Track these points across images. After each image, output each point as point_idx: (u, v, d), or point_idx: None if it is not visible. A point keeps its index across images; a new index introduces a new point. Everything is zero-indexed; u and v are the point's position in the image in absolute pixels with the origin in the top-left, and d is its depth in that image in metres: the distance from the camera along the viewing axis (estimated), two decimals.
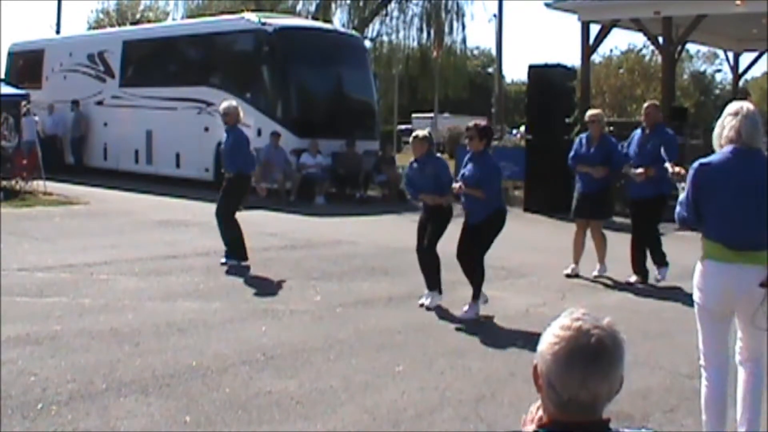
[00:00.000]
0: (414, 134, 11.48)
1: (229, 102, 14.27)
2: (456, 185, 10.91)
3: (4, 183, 21.91)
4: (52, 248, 14.34)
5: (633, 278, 13.05)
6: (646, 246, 13.09)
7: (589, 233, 13.41)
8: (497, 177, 11.07)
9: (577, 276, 13.27)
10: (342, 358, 8.67)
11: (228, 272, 12.89)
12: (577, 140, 13.76)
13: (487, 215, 10.73)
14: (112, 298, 10.84)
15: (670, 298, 12.22)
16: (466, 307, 10.70)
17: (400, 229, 17.72)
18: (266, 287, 12.08)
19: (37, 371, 7.76)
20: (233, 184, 13.71)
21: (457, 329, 10.10)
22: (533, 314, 10.78)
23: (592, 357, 2.50)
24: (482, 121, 11.39)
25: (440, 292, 11.20)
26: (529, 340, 9.24)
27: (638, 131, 13.14)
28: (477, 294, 10.79)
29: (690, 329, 10.35)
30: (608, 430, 2.56)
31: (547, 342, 2.58)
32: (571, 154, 13.55)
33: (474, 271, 10.83)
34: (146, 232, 16.72)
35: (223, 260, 13.48)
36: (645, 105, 13.44)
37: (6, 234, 15.03)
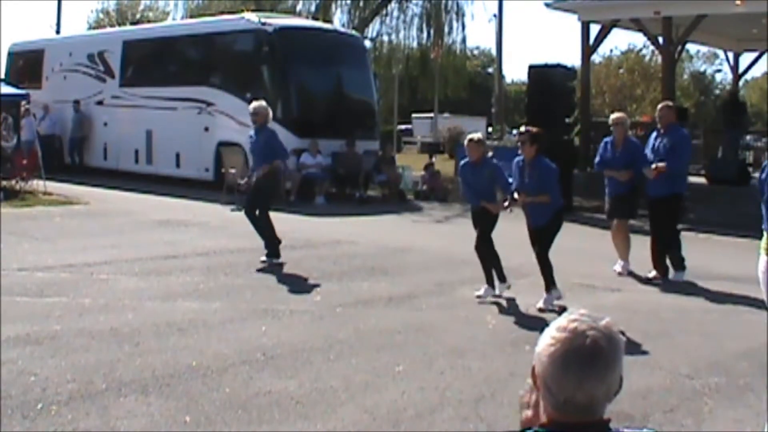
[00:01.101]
0: (469, 137, 11.67)
1: (259, 102, 14.29)
2: (516, 197, 11.34)
3: (4, 183, 21.90)
4: (52, 248, 14.33)
5: (652, 273, 13.30)
6: (665, 244, 13.25)
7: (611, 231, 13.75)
8: (557, 178, 11.40)
9: (630, 274, 13.59)
10: (342, 358, 8.67)
11: (228, 272, 12.88)
12: (602, 144, 13.87)
13: (549, 218, 11.23)
14: (112, 298, 10.84)
15: (670, 298, 12.25)
16: (541, 302, 11.09)
17: (400, 229, 17.74)
18: (266, 287, 12.07)
19: (37, 371, 7.76)
20: (266, 181, 13.77)
21: (457, 329, 10.10)
22: (533, 314, 10.80)
23: (588, 359, 2.49)
24: (533, 128, 11.56)
25: (504, 280, 11.74)
26: (530, 340, 9.25)
27: (654, 133, 13.39)
28: (549, 286, 11.22)
29: (690, 329, 10.41)
30: (608, 431, 2.56)
31: (544, 343, 2.57)
32: (597, 159, 13.81)
33: (544, 267, 11.24)
34: (146, 232, 16.71)
35: (264, 259, 13.53)
36: (659, 106, 13.64)
37: (6, 234, 15.02)
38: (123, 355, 8.45)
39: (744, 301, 11.93)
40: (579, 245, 15.15)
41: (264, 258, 13.55)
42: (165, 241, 15.65)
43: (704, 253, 15.55)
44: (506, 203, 11.47)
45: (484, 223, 11.58)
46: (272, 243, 13.67)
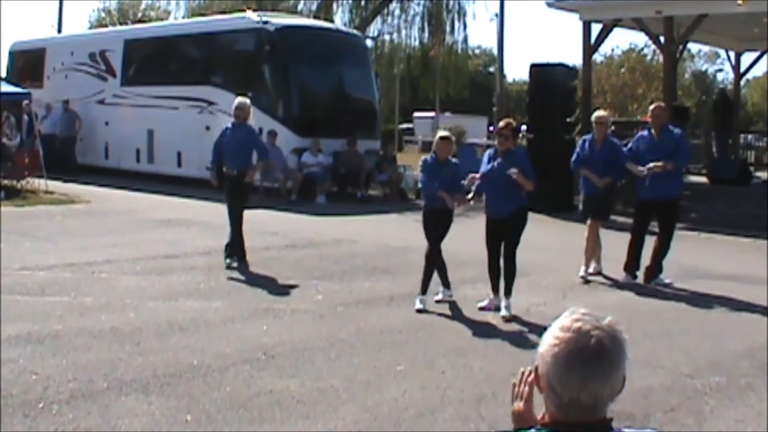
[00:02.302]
0: (440, 134, 11.53)
1: (243, 98, 14.23)
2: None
3: (5, 182, 21.91)
4: (54, 247, 14.34)
5: (623, 276, 13.15)
6: (667, 249, 13.04)
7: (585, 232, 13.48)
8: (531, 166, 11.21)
9: (599, 273, 13.37)
10: (343, 357, 8.68)
11: (229, 271, 12.88)
12: (580, 142, 13.72)
13: (512, 210, 11.00)
14: (113, 297, 10.84)
15: (671, 297, 12.25)
16: (485, 302, 11.00)
17: (401, 229, 17.73)
18: (267, 286, 12.08)
19: (39, 370, 7.76)
20: (236, 184, 13.69)
21: (458, 329, 10.11)
22: (534, 313, 10.79)
23: (592, 359, 2.47)
24: (512, 121, 11.37)
25: (449, 287, 11.58)
26: (531, 340, 9.29)
27: (644, 132, 13.13)
28: (509, 291, 11.04)
29: (690, 329, 10.41)
30: (611, 430, 2.55)
31: (547, 343, 2.55)
32: (574, 156, 13.53)
33: (512, 269, 11.10)
34: (147, 231, 16.72)
35: (228, 261, 13.49)
36: (651, 107, 13.39)
37: (7, 233, 15.03)
38: (124, 354, 8.45)
39: (745, 300, 11.95)
40: (579, 244, 15.12)
41: (228, 260, 13.51)
42: (166, 240, 15.66)
43: (705, 252, 15.56)
44: (469, 196, 11.29)
45: (440, 228, 11.32)
46: (237, 243, 13.57)
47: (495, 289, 11.14)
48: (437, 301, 11.26)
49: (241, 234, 13.57)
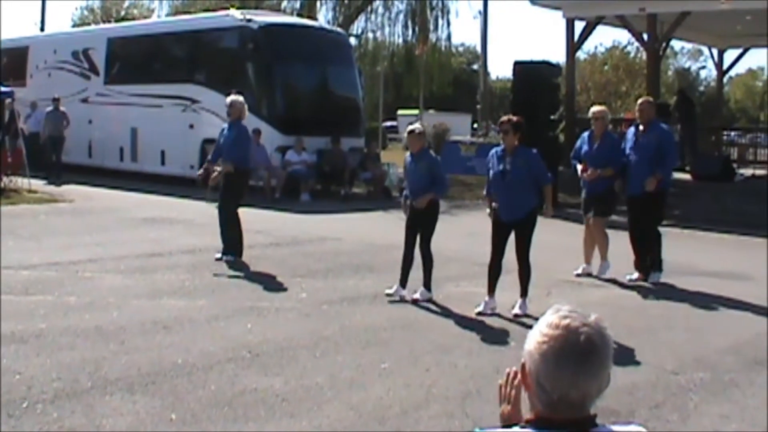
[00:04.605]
0: (409, 128, 11.51)
1: (235, 96, 14.22)
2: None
3: None
4: (37, 246, 14.29)
5: (635, 275, 13.05)
6: (646, 243, 13.03)
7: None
8: (543, 164, 11.12)
9: (589, 275, 13.29)
10: (328, 355, 8.67)
11: (214, 269, 12.85)
12: (581, 138, 13.65)
13: (526, 213, 10.87)
14: (97, 296, 10.81)
15: (655, 294, 12.27)
16: (517, 308, 10.77)
17: (385, 226, 17.73)
18: (252, 285, 12.07)
19: (23, 369, 7.74)
20: (232, 180, 13.70)
21: (443, 326, 10.11)
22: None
23: (582, 356, 2.46)
24: (513, 116, 11.14)
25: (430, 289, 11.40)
26: (515, 337, 9.29)
27: (632, 128, 13.18)
28: (525, 292, 10.92)
29: (675, 325, 10.44)
30: (595, 426, 2.55)
31: (535, 341, 2.53)
32: (573, 153, 13.58)
33: (527, 271, 10.92)
34: (131, 230, 16.68)
35: (218, 256, 13.50)
36: (639, 101, 13.38)
37: None
38: (108, 353, 8.43)
39: (728, 296, 11.98)
40: (564, 241, 15.15)
41: (218, 255, 13.55)
42: (150, 238, 15.63)
43: (689, 249, 15.60)
44: (489, 211, 11.25)
45: (426, 228, 11.37)
46: (234, 240, 13.59)
47: (492, 291, 10.96)
48: (404, 297, 11.31)
49: (239, 231, 13.62)
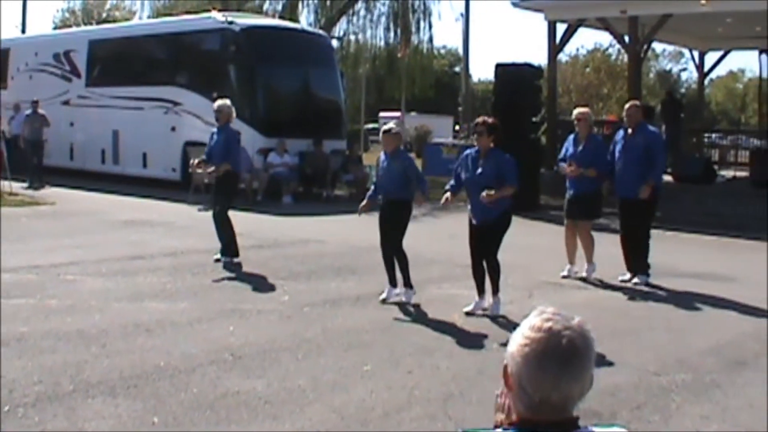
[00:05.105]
0: (384, 128, 11.50)
1: (223, 100, 14.21)
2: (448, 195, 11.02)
3: None
4: (18, 249, 14.21)
5: (627, 275, 13.07)
6: (637, 245, 13.04)
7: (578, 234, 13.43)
8: (516, 169, 11.08)
9: (575, 276, 13.29)
10: (310, 357, 8.67)
11: (195, 271, 12.83)
12: (567, 140, 13.67)
13: (497, 215, 10.83)
14: (78, 299, 10.78)
15: (638, 296, 12.31)
16: (490, 308, 10.79)
17: (367, 229, 17.66)
18: (234, 287, 12.05)
19: (4, 373, 7.69)
20: (223, 183, 13.73)
21: (425, 328, 10.11)
22: (501, 313, 10.78)
23: (564, 359, 2.46)
24: (488, 118, 11.17)
25: (412, 287, 11.39)
26: (497, 339, 9.30)
27: (621, 132, 13.24)
28: (496, 291, 10.91)
29: (657, 326, 10.47)
30: (577, 428, 2.55)
31: (517, 343, 2.52)
32: (560, 155, 13.61)
33: (494, 271, 10.90)
34: (113, 233, 16.64)
35: (217, 256, 13.56)
36: (626, 106, 13.42)
37: None
38: (90, 356, 8.40)
39: (710, 298, 12.03)
40: (546, 243, 15.18)
41: (218, 255, 13.61)
42: (132, 241, 15.59)
43: (670, 250, 15.63)
44: (443, 199, 11.25)
45: (396, 229, 11.42)
46: (229, 242, 13.64)
47: (480, 291, 10.99)
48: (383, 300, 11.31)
49: (232, 232, 13.66)
